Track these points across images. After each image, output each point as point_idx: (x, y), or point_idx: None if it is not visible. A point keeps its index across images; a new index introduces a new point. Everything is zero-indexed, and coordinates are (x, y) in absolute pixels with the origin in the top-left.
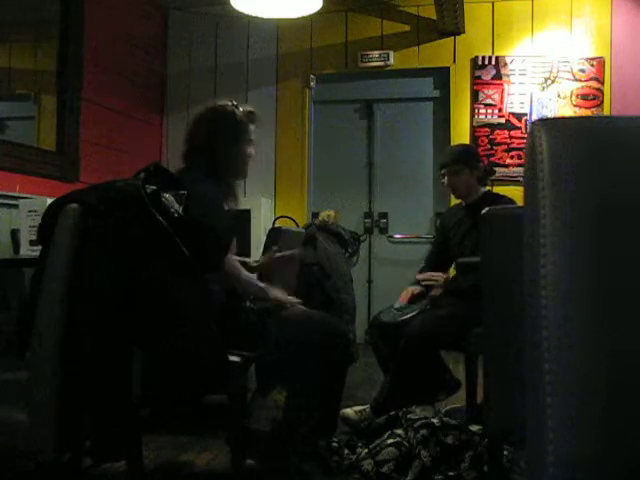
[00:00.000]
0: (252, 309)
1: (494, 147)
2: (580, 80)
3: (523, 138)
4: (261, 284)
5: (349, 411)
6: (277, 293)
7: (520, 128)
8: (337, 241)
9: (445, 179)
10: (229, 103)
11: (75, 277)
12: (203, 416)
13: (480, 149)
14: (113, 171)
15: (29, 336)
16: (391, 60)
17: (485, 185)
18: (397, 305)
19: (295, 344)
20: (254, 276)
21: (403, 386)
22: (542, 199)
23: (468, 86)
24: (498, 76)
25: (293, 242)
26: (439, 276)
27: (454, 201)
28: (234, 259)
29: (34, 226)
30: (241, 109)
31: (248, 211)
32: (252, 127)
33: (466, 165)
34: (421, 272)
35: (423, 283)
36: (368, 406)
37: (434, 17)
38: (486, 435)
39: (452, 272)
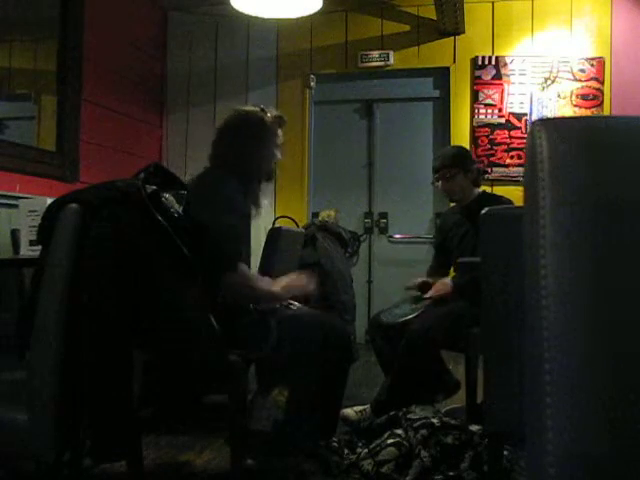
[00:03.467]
0: (255, 309)
1: (494, 147)
2: (580, 80)
3: (523, 138)
4: (273, 292)
5: (349, 411)
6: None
7: (520, 128)
8: (337, 241)
9: (439, 183)
10: (258, 108)
11: (75, 277)
12: (203, 416)
13: (480, 149)
14: (113, 171)
15: (29, 336)
16: (391, 60)
17: (479, 186)
18: (400, 310)
19: (296, 344)
20: (268, 281)
21: (403, 386)
22: (542, 199)
23: (468, 86)
24: (498, 76)
25: (293, 242)
26: (444, 284)
27: (452, 202)
28: (245, 269)
29: (34, 226)
30: (269, 114)
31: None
32: (280, 131)
33: (460, 168)
34: (428, 273)
35: (434, 296)
36: (368, 406)
37: (434, 17)
38: (486, 435)
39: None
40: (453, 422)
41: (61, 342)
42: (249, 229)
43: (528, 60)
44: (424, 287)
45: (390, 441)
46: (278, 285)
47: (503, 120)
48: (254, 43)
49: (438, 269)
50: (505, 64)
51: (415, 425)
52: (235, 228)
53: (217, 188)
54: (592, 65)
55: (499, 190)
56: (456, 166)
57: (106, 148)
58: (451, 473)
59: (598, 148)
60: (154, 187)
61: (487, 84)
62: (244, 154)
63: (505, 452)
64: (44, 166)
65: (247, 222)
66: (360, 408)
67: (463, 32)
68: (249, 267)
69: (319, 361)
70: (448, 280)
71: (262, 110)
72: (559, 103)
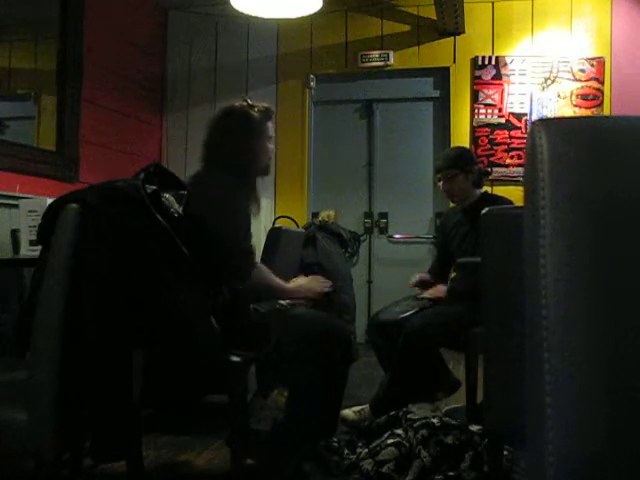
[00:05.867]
0: (255, 309)
1: (494, 147)
2: (580, 80)
3: (523, 138)
4: (289, 288)
5: (348, 412)
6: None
7: (520, 128)
8: (337, 241)
9: (441, 183)
10: (244, 103)
11: (75, 277)
12: (203, 416)
13: (480, 149)
14: (113, 171)
15: (29, 336)
16: (391, 60)
17: (481, 187)
18: (400, 308)
19: (296, 344)
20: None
21: (403, 384)
22: (542, 199)
23: (468, 86)
24: (498, 76)
25: (293, 242)
26: (441, 291)
27: (453, 203)
28: (263, 267)
29: (34, 226)
30: (256, 107)
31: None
32: (269, 123)
33: (461, 170)
34: (429, 273)
35: (429, 296)
36: (367, 406)
37: (434, 17)
38: (486, 435)
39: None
40: (453, 422)
41: (61, 342)
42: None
43: (528, 60)
44: (423, 284)
45: (390, 441)
46: (292, 284)
47: (503, 120)
48: (254, 43)
49: (440, 269)
50: (505, 64)
51: (415, 425)
52: (247, 229)
53: (222, 193)
54: (592, 65)
55: (499, 190)
56: (457, 167)
57: (106, 148)
58: (451, 473)
59: (598, 148)
60: (154, 187)
61: (487, 84)
62: (236, 152)
63: (505, 452)
64: (44, 166)
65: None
66: (358, 408)
67: (463, 32)
68: None
69: (319, 361)
70: (443, 287)
71: (248, 105)
72: (559, 103)
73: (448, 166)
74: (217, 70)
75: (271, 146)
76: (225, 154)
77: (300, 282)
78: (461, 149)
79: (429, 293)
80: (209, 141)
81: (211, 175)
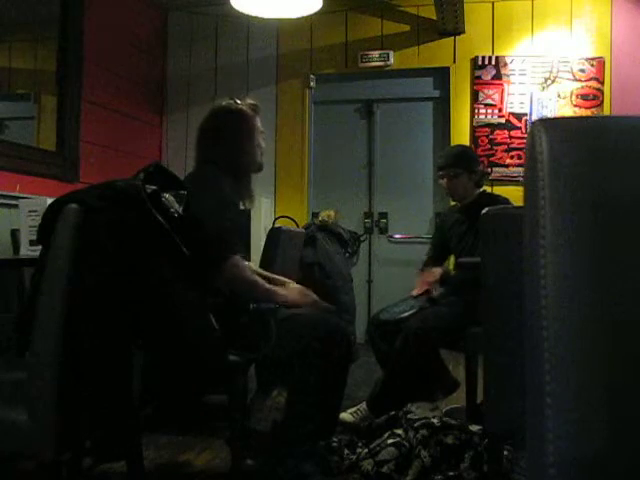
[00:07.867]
0: (255, 309)
1: (494, 147)
2: (580, 80)
3: (523, 138)
4: (268, 286)
5: (344, 415)
6: (288, 295)
7: (520, 128)
8: (337, 241)
9: (443, 181)
10: (231, 101)
11: (75, 277)
12: (203, 416)
13: (480, 149)
14: (113, 171)
15: (29, 336)
16: (391, 60)
17: (481, 187)
18: (399, 308)
19: (295, 344)
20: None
21: (400, 383)
22: (542, 199)
23: (468, 86)
24: (498, 76)
25: (293, 242)
26: (435, 273)
27: (453, 201)
28: (239, 259)
29: (34, 226)
30: (243, 104)
31: (248, 211)
32: (258, 119)
33: (465, 169)
34: (422, 270)
35: (426, 281)
36: (363, 403)
37: (434, 17)
38: (486, 435)
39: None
40: (453, 422)
41: (61, 342)
42: (248, 224)
43: (528, 60)
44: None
45: (390, 441)
46: (277, 288)
47: (503, 120)
48: (254, 43)
49: (433, 265)
50: (505, 64)
51: (415, 425)
52: (229, 221)
53: (209, 184)
54: (592, 65)
55: (499, 190)
56: (460, 167)
57: (106, 148)
58: (451, 473)
59: (598, 148)
60: (154, 187)
61: (487, 84)
62: (227, 150)
63: (505, 452)
64: (44, 166)
65: (242, 217)
66: (354, 409)
67: (463, 32)
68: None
69: (319, 361)
70: (438, 269)
71: (235, 102)
72: (559, 103)
73: (451, 164)
74: (217, 70)
75: (262, 142)
76: (217, 153)
77: (290, 289)
78: (465, 148)
79: (417, 290)
80: (200, 142)
81: (201, 172)
